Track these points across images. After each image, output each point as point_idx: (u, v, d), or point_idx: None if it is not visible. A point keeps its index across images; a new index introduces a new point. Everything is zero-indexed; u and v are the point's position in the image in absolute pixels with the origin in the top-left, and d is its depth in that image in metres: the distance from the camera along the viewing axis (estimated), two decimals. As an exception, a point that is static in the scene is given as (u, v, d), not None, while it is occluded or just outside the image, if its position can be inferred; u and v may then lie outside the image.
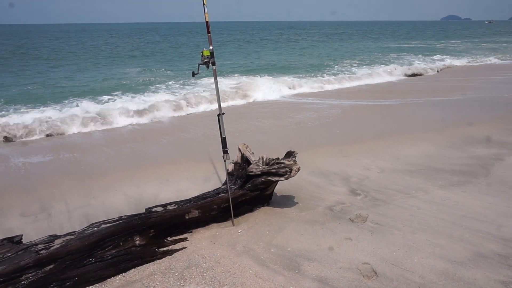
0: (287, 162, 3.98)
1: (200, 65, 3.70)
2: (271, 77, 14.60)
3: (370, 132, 7.57)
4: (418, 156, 6.01)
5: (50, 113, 8.81)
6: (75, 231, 3.26)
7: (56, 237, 3.15)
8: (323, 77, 15.20)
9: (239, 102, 11.00)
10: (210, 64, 3.68)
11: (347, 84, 14.27)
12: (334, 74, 15.90)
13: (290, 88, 12.93)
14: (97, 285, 3.04)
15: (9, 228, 3.99)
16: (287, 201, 4.46)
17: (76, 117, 8.44)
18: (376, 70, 17.04)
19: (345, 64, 19.72)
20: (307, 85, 13.46)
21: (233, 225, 3.93)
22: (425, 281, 2.97)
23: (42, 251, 2.91)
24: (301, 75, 15.63)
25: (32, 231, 3.90)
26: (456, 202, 4.34)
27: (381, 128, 7.84)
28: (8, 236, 3.16)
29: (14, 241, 3.11)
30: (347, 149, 6.41)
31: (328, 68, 18.35)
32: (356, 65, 19.58)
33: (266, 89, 11.97)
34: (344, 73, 16.32)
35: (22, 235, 3.24)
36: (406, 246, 3.45)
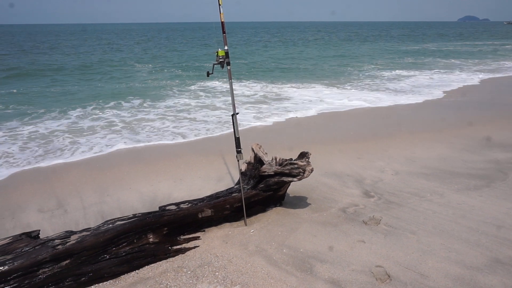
0: (300, 163, 3.97)
1: (215, 65, 3.72)
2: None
3: (384, 133, 7.48)
4: (433, 159, 5.92)
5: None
6: (90, 228, 3.32)
7: (72, 233, 3.21)
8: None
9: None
10: (225, 64, 3.69)
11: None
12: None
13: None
14: (111, 281, 3.09)
15: (27, 223, 4.09)
16: (300, 202, 4.44)
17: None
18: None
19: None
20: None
21: (246, 225, 3.93)
22: (439, 285, 2.92)
23: (58, 246, 2.97)
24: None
25: (49, 227, 3.98)
26: (473, 206, 4.26)
27: (395, 130, 7.75)
28: (26, 231, 3.24)
29: (32, 236, 3.19)
30: (361, 150, 6.35)
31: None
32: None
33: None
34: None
35: (39, 230, 3.31)
36: (420, 250, 3.40)
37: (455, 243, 3.50)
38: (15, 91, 13.01)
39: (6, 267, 2.76)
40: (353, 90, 13.02)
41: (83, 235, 3.13)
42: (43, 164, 6.03)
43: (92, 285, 3.03)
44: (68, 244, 3.01)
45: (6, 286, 2.74)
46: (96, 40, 47.43)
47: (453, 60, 22.50)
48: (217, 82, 14.39)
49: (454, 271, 3.09)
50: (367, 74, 17.03)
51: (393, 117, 9.14)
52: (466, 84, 13.83)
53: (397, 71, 18.03)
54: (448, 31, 77.17)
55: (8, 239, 3.06)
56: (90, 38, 51.45)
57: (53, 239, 3.07)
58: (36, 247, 2.96)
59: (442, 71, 17.74)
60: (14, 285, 2.76)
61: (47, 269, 2.88)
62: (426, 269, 3.12)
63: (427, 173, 5.30)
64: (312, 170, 3.95)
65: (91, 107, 10.43)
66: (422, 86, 13.63)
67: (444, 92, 12.27)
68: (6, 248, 2.96)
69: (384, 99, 11.22)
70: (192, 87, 13.68)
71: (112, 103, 10.95)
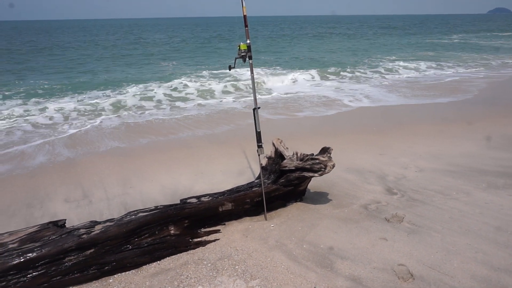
0: (322, 158, 3.92)
1: (237, 59, 3.71)
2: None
3: (409, 129, 7.30)
4: (460, 156, 5.73)
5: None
6: (114, 218, 3.39)
7: (97, 223, 3.29)
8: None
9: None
10: (247, 58, 3.67)
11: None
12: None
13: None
14: (133, 271, 3.15)
15: (54, 213, 4.23)
16: (321, 197, 4.40)
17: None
18: None
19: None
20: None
21: (266, 219, 3.93)
22: (465, 287, 2.83)
23: (83, 236, 3.06)
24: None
25: (75, 216, 4.10)
26: (502, 206, 4.10)
27: (420, 126, 7.55)
28: (53, 220, 3.34)
29: (59, 225, 3.29)
30: (384, 146, 6.22)
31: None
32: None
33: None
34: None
35: (65, 219, 3.41)
36: (445, 249, 3.31)
37: (482, 244, 3.38)
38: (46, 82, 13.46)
39: (34, 254, 2.87)
40: (370, 86, 12.76)
41: (107, 225, 3.21)
42: (70, 154, 6.21)
43: (115, 274, 3.10)
44: (92, 233, 3.09)
45: (34, 272, 2.84)
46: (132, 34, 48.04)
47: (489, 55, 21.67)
48: (241, 74, 14.39)
49: (481, 272, 2.99)
50: (391, 67, 16.63)
51: (419, 114, 8.90)
52: (494, 80, 13.30)
53: (428, 63, 17.65)
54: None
55: (36, 227, 3.18)
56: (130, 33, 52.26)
57: (78, 228, 3.17)
58: (63, 236, 3.06)
59: (470, 66, 17.12)
60: (42, 271, 2.86)
61: (72, 257, 2.97)
62: (451, 269, 3.03)
63: (453, 171, 5.14)
64: (333, 165, 3.90)
65: (117, 96, 10.70)
66: (452, 81, 13.20)
67: (475, 88, 11.85)
68: (34, 235, 3.07)
69: (409, 97, 10.95)
70: (215, 80, 13.73)
71: (136, 94, 11.21)
